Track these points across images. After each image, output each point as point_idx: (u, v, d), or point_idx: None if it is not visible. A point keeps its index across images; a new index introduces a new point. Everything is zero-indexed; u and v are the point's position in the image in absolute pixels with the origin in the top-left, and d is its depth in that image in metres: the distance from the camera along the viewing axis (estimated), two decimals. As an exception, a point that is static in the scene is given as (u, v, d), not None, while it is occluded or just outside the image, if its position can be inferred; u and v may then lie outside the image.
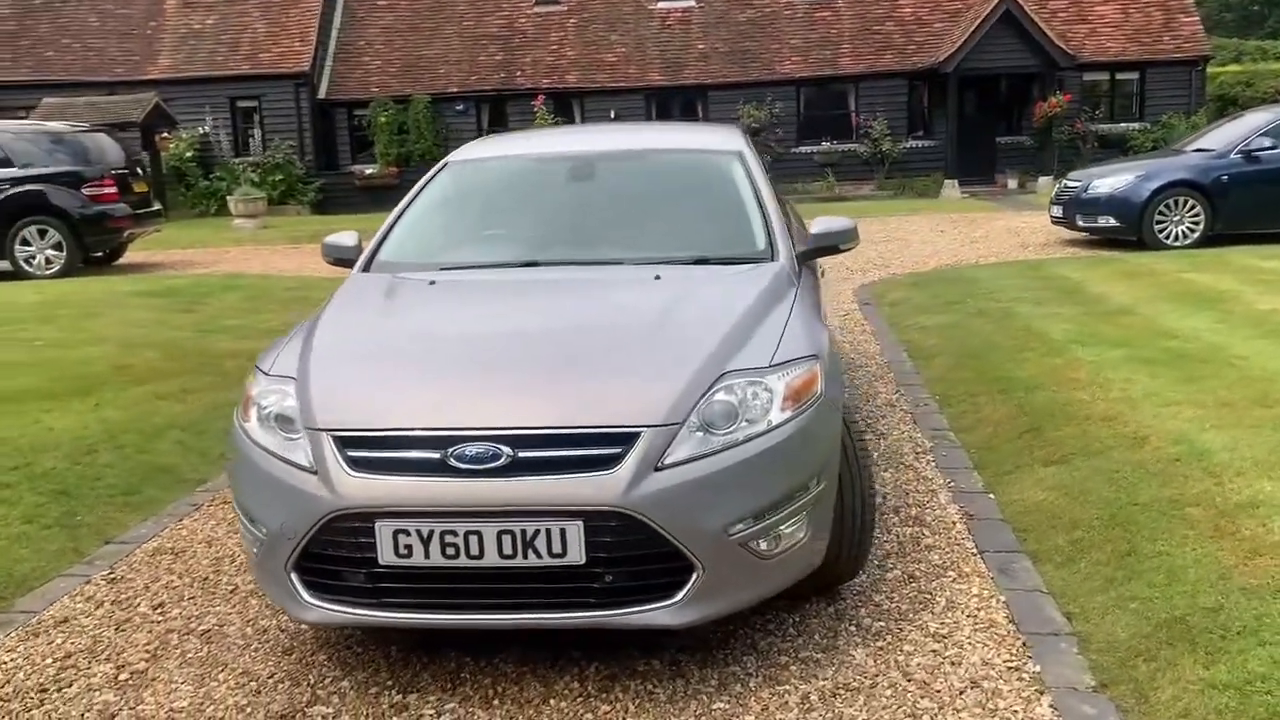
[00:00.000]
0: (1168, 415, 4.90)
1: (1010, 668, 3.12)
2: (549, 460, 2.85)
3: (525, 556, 2.82)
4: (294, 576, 2.99)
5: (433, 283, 3.83)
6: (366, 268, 4.15)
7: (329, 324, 3.55)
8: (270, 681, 3.20)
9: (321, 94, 23.79)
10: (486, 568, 2.84)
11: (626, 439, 2.86)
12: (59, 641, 3.52)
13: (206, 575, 4.02)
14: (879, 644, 3.29)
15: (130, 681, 3.24)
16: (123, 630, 3.59)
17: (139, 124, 20.91)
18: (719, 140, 4.73)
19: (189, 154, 22.44)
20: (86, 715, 3.06)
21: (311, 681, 3.19)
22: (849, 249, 4.35)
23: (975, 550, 3.97)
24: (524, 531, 2.81)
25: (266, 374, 3.33)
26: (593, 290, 3.71)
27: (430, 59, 24.21)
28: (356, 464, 2.91)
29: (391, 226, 4.37)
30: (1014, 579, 3.70)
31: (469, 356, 3.24)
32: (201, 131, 22.86)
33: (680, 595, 2.88)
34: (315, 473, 2.93)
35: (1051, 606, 3.47)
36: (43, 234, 13.06)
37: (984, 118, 23.84)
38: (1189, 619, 3.17)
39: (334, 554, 2.93)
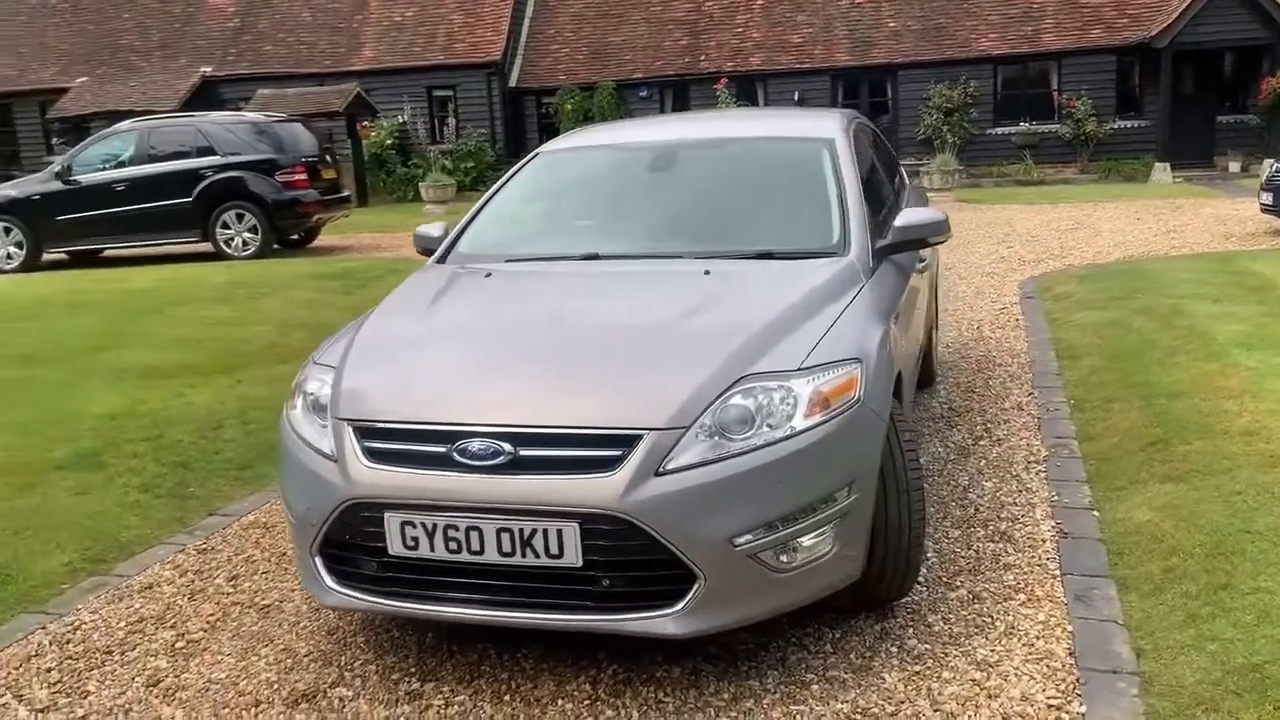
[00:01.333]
0: (1316, 433, 4.37)
1: (1051, 705, 2.86)
2: (549, 460, 2.80)
3: (524, 555, 2.79)
4: (318, 561, 3.08)
5: (489, 275, 3.85)
6: (442, 259, 4.21)
7: (377, 315, 3.63)
8: (305, 660, 3.31)
9: (512, 82, 24.47)
10: (487, 564, 2.83)
11: (628, 441, 2.77)
12: (137, 606, 3.76)
13: (285, 551, 4.20)
14: (916, 669, 3.08)
15: (184, 650, 3.42)
16: (194, 599, 3.80)
17: (341, 113, 22.10)
18: (811, 128, 4.52)
19: (389, 141, 23.55)
20: (136, 679, 3.25)
21: (342, 663, 3.28)
22: (938, 243, 4.08)
23: (1058, 572, 3.66)
24: (522, 530, 2.78)
25: (315, 362, 3.43)
26: (635, 286, 3.62)
27: (616, 45, 24.46)
28: (372, 455, 2.96)
29: (474, 217, 4.42)
30: (1090, 607, 3.39)
31: (488, 353, 3.23)
32: (400, 120, 23.93)
33: (681, 604, 2.78)
34: (336, 461, 3.00)
35: (1121, 641, 3.16)
36: (240, 218, 14.02)
37: (1201, 96, 22.01)
38: (1268, 667, 2.82)
39: (351, 542, 2.99)
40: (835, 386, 3.00)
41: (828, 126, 4.49)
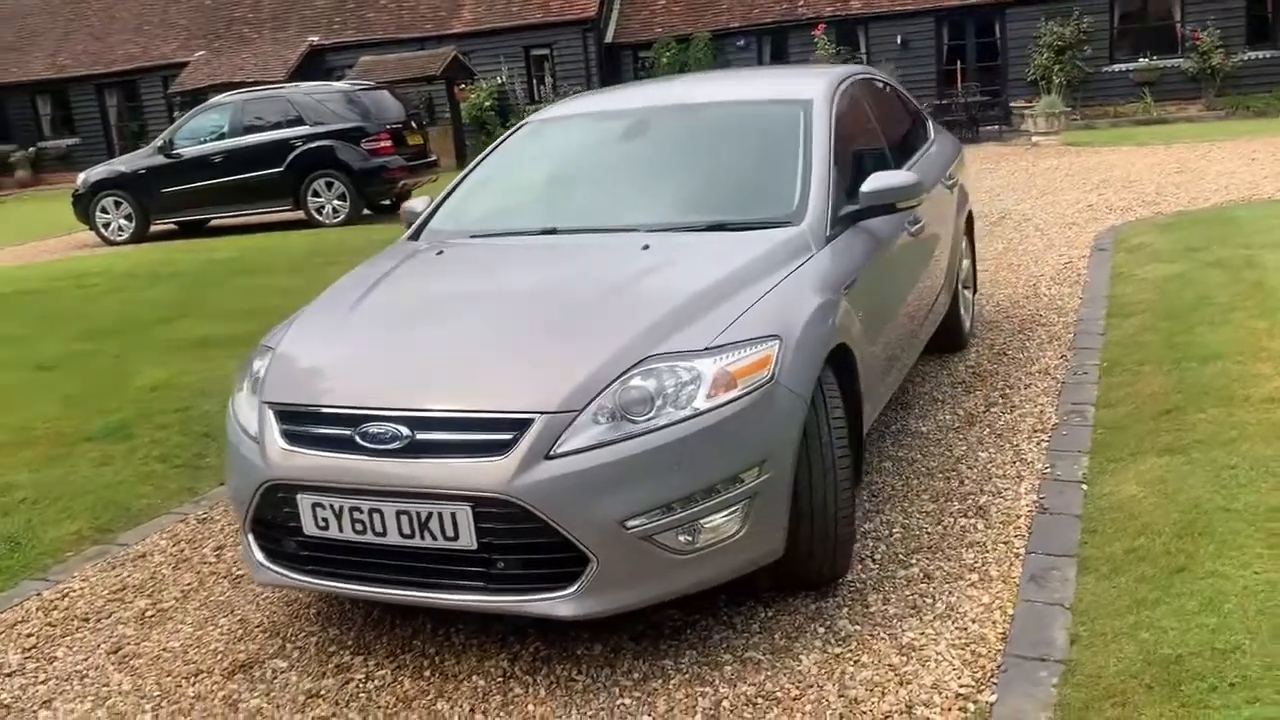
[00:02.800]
0: (1339, 400, 4.06)
1: (961, 694, 2.77)
2: (444, 443, 2.83)
3: (422, 537, 2.84)
4: (250, 539, 3.19)
5: (440, 253, 3.88)
6: (415, 235, 4.26)
7: (322, 296, 3.70)
8: (256, 630, 3.44)
9: (608, 38, 24.37)
10: (390, 545, 2.89)
11: (520, 425, 2.77)
12: (125, 575, 3.96)
13: (274, 521, 4.35)
14: (837, 651, 3.02)
15: (152, 618, 3.60)
16: (178, 569, 3.99)
17: (439, 76, 22.41)
18: (792, 89, 4.37)
19: (487, 103, 23.80)
20: (101, 647, 3.44)
21: (288, 634, 3.40)
22: (909, 207, 3.92)
23: (1022, 551, 3.52)
24: (419, 513, 2.82)
25: (262, 344, 3.53)
26: (568, 264, 3.59)
27: (714, -5, 24.07)
28: (288, 437, 3.04)
29: (451, 191, 4.45)
30: (1042, 589, 3.25)
31: (403, 336, 3.26)
32: (499, 81, 24.13)
33: (575, 587, 2.79)
34: (259, 443, 3.09)
35: (1061, 626, 3.02)
36: (329, 186, 14.42)
37: (1343, 20, 20.38)
38: (1190, 660, 2.66)
39: (274, 521, 3.09)
40: (745, 366, 2.93)
41: (810, 87, 4.34)
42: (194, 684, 3.15)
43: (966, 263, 6.08)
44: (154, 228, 15.27)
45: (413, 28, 24.98)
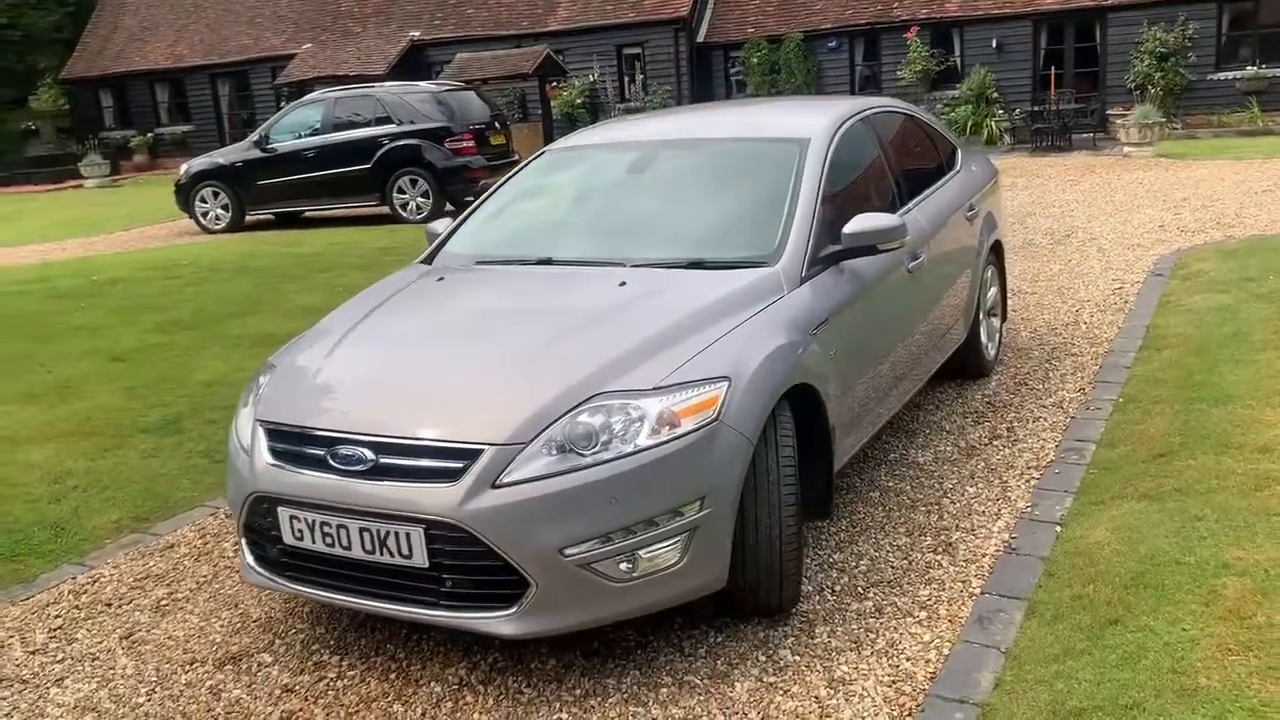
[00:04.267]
0: (1327, 454, 4.04)
1: (872, 732, 2.90)
2: (403, 468, 3.07)
3: (381, 554, 3.09)
4: (244, 543, 3.49)
5: (441, 280, 4.13)
6: (430, 258, 4.52)
7: (326, 319, 3.99)
8: (253, 625, 3.75)
9: (700, 37, 24.48)
10: (354, 559, 3.15)
11: (471, 455, 3.00)
12: (151, 564, 4.32)
13: (293, 520, 4.68)
14: (771, 680, 3.18)
15: (166, 607, 3.94)
16: (199, 560, 4.33)
17: (531, 74, 22.82)
18: (794, 126, 4.49)
19: (579, 101, 24.15)
20: (116, 631, 3.78)
21: (280, 630, 3.70)
22: (890, 249, 4.01)
23: (978, 591, 3.62)
24: (379, 531, 3.07)
25: (269, 361, 3.83)
26: (548, 297, 3.80)
27: (807, -5, 23.97)
28: (274, 454, 3.32)
29: (468, 216, 4.70)
30: (985, 631, 3.35)
31: (381, 363, 3.52)
32: (591, 79, 24.46)
33: (515, 608, 3.00)
34: (250, 456, 3.39)
35: (990, 670, 3.13)
36: (414, 183, 14.91)
37: None
38: (1091, 714, 2.76)
39: (260, 528, 3.38)
40: (690, 406, 3.11)
41: (810, 125, 4.46)
42: (188, 672, 3.47)
43: (994, 290, 6.11)
44: (250, 217, 15.98)
45: (509, 25, 25.46)
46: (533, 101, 24.65)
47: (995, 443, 5.00)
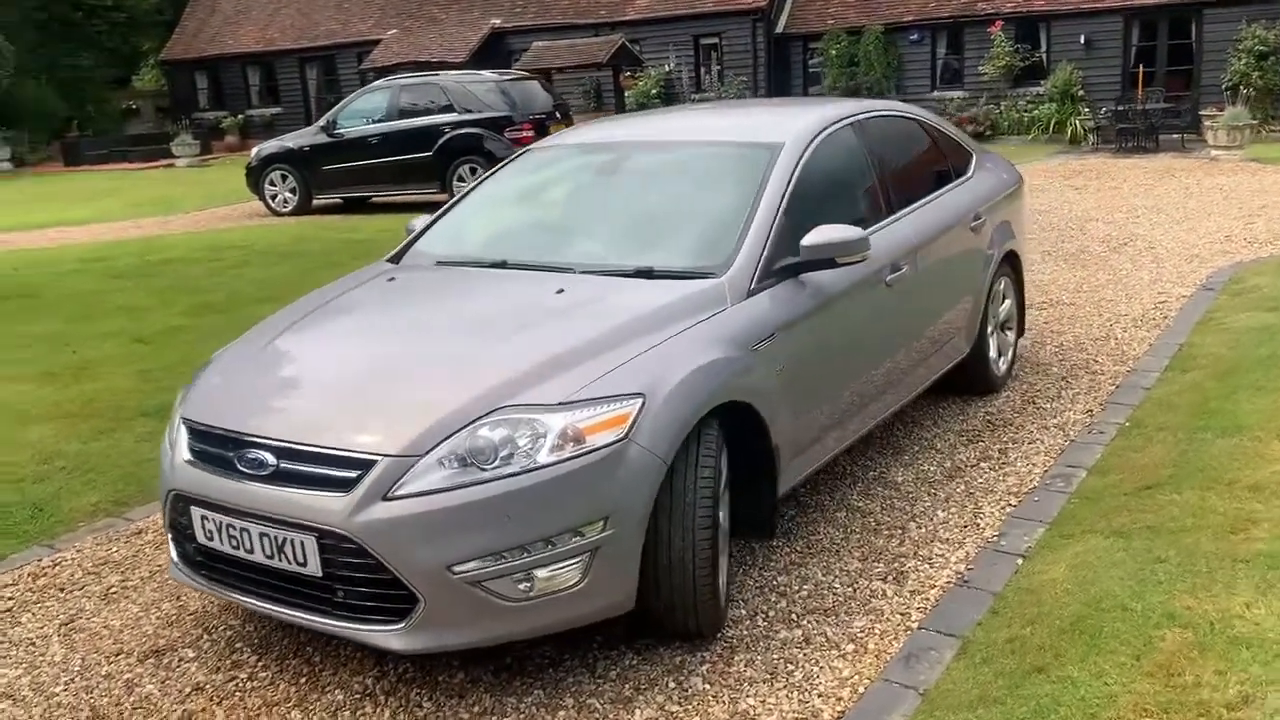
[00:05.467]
0: (1315, 497, 3.76)
1: (758, 771, 2.78)
2: (302, 475, 3.03)
3: (279, 560, 3.07)
4: (170, 538, 3.51)
5: (391, 280, 4.09)
6: (396, 257, 4.49)
7: (275, 315, 3.98)
8: (187, 618, 3.78)
9: (779, 29, 24.15)
10: (257, 563, 3.13)
11: (365, 465, 2.95)
12: (114, 550, 4.39)
13: (260, 512, 4.71)
14: (673, 709, 3.07)
15: (113, 595, 4.00)
16: (159, 548, 4.38)
17: (605, 64, 22.79)
18: (770, 130, 4.34)
19: (653, 91, 24.02)
20: (59, 618, 3.84)
21: (212, 625, 3.71)
22: (849, 263, 3.84)
23: (914, 626, 3.45)
24: (276, 536, 3.05)
25: (213, 356, 3.84)
26: (482, 303, 3.72)
27: (891, -14, 23.45)
28: (192, 453, 3.32)
29: (442, 214, 4.67)
30: (909, 669, 3.20)
31: (301, 365, 3.49)
32: (666, 69, 24.32)
33: (404, 623, 2.95)
34: (173, 452, 3.40)
35: (901, 713, 2.97)
36: (474, 171, 14.98)
37: None
38: (979, 771, 2.59)
39: (180, 526, 3.39)
40: (596, 423, 3.01)
41: (787, 129, 4.31)
42: (111, 664, 3.50)
43: (1007, 303, 5.87)
44: (319, 201, 16.27)
45: (588, 13, 25.46)
46: (609, 91, 24.64)
47: (983, 465, 4.79)
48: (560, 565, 2.98)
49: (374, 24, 28.78)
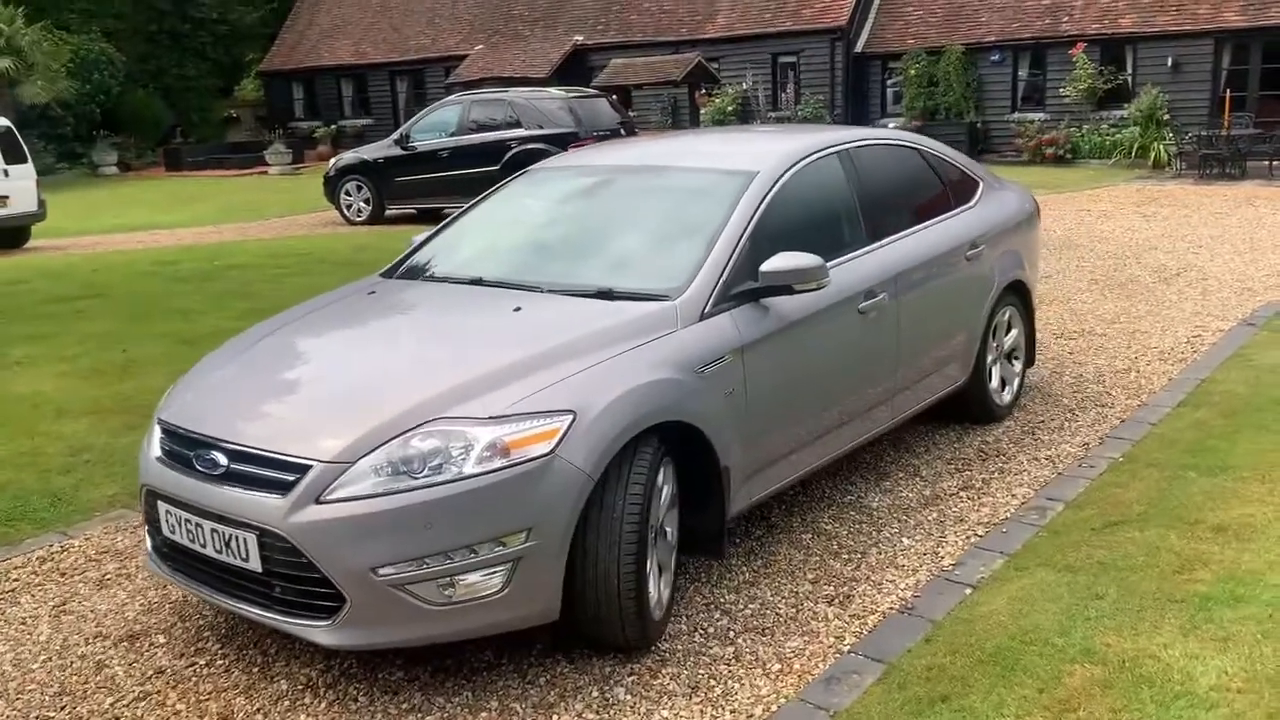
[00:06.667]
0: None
1: (651, 780, 2.88)
2: (249, 476, 3.24)
3: (226, 555, 3.28)
4: (146, 530, 3.75)
5: (371, 293, 4.30)
6: (390, 270, 4.70)
7: (262, 323, 4.21)
8: (167, 605, 4.01)
9: (858, 47, 24.06)
10: (210, 556, 3.35)
11: (302, 469, 3.14)
12: (119, 539, 4.66)
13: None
14: (591, 718, 3.19)
15: (108, 581, 4.26)
16: (159, 541, 4.65)
17: (680, 81, 22.99)
18: (750, 159, 4.43)
19: (730, 108, 24.15)
20: (53, 600, 4.11)
21: (187, 613, 3.94)
22: (806, 290, 3.92)
23: (845, 649, 3.51)
24: (224, 533, 3.26)
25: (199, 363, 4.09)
26: (444, 318, 3.90)
27: (972, 6, 23.20)
28: (163, 450, 3.56)
29: (440, 230, 4.87)
30: (827, 690, 3.26)
31: (268, 371, 3.70)
32: (744, 87, 24.42)
33: (332, 620, 3.13)
34: (148, 450, 3.64)
35: (805, 733, 3.05)
36: (537, 185, 15.29)
37: None
38: (853, 792, 2.65)
39: (152, 520, 3.63)
40: (523, 438, 3.15)
41: (765, 157, 4.41)
42: (88, 645, 3.75)
43: (1014, 333, 5.84)
44: (391, 211, 16.75)
45: (668, 31, 25.71)
46: (685, 109, 24.81)
47: (962, 494, 4.80)
48: (482, 573, 3.12)
49: (461, 40, 29.47)
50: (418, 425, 3.17)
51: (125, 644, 3.75)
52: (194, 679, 3.49)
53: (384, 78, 31.12)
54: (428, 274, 4.47)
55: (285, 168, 28.70)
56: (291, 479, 3.14)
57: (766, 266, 3.89)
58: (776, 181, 4.29)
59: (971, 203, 5.54)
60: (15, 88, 26.25)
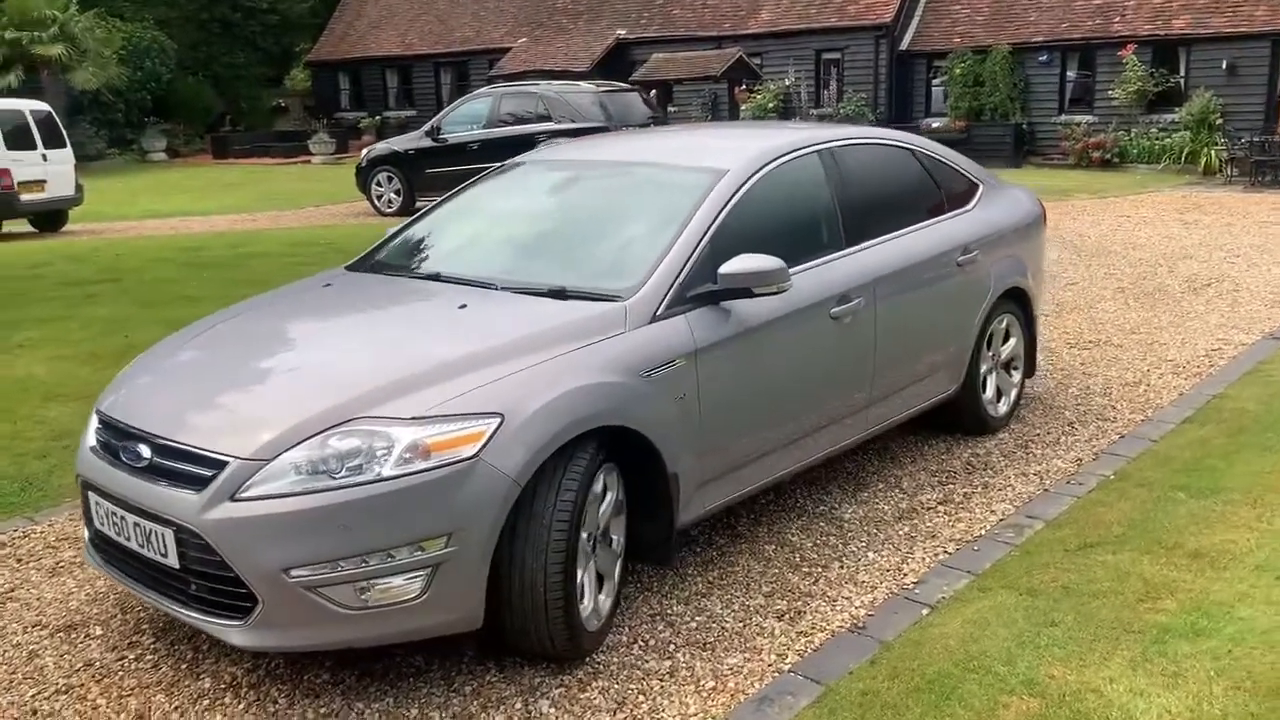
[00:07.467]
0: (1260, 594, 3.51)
1: (555, 801, 2.77)
2: (169, 470, 3.17)
3: (147, 549, 3.22)
4: (84, 522, 3.71)
5: (327, 285, 4.22)
6: (356, 263, 4.62)
7: (213, 314, 4.15)
8: (112, 596, 3.96)
9: (904, 45, 23.70)
10: (133, 550, 3.29)
11: (219, 465, 3.07)
12: (81, 526, 4.63)
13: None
14: (506, 729, 3.09)
15: (61, 569, 4.21)
16: (120, 530, 4.62)
17: (719, 77, 22.77)
18: (721, 156, 4.28)
19: (770, 105, 23.90)
20: (3, 586, 4.10)
21: (130, 605, 3.89)
22: (767, 293, 3.77)
23: (785, 668, 3.37)
24: (144, 527, 3.19)
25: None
26: (386, 314, 3.82)
27: (1021, 5, 22.74)
28: (96, 440, 3.51)
29: (411, 223, 4.79)
30: (758, 712, 3.13)
31: (203, 362, 3.64)
32: (786, 83, 24.15)
33: (245, 620, 3.05)
34: (84, 440, 3.60)
35: (725, 756, 2.92)
36: (565, 179, 15.22)
37: None
38: (753, 824, 2.52)
39: (87, 509, 3.58)
40: (445, 440, 3.05)
41: (737, 155, 4.26)
42: (25, 633, 3.72)
43: (1012, 342, 5.64)
44: (422, 203, 16.77)
45: (712, 25, 25.51)
46: (726, 105, 24.61)
47: (940, 508, 4.62)
48: (400, 578, 3.02)
49: (506, 32, 29.50)
50: (339, 424, 3.08)
51: (61, 634, 3.71)
52: (120, 673, 3.44)
53: (429, 69, 31.26)
54: (388, 268, 4.39)
55: (327, 157, 28.93)
56: (209, 474, 3.07)
57: (725, 269, 3.75)
58: (747, 181, 4.14)
59: (968, 206, 5.34)
60: (67, 74, 26.70)
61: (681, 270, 3.76)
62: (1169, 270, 10.17)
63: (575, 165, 4.64)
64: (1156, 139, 20.52)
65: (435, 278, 4.13)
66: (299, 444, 3.05)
